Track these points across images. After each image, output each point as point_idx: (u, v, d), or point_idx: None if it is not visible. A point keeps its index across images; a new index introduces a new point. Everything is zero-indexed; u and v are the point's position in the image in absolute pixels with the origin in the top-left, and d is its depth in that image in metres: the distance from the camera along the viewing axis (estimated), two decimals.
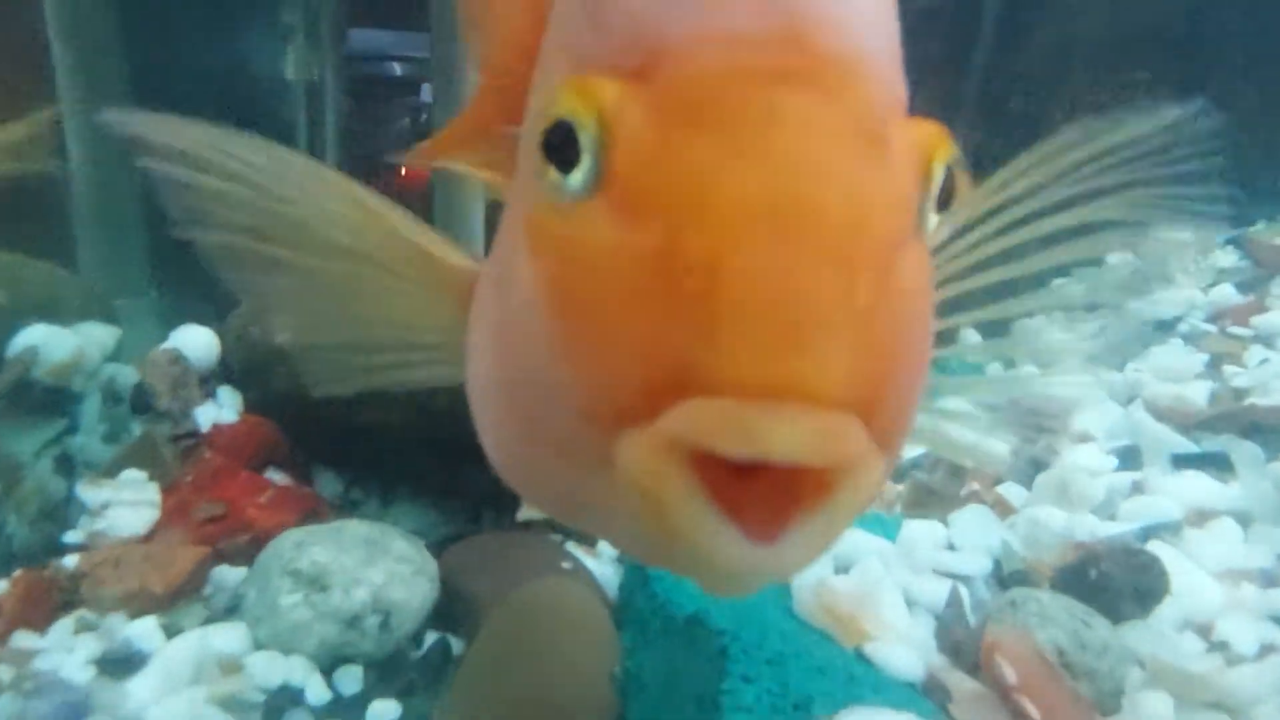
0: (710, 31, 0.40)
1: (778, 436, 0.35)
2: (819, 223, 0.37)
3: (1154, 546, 1.45)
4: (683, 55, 0.40)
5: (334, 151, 2.77)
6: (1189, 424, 1.91)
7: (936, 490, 1.88)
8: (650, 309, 0.38)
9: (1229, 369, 2.56)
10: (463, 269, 0.69)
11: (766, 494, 0.37)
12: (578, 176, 0.42)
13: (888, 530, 1.54)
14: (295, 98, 2.59)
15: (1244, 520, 1.51)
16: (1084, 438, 2.17)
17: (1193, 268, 3.27)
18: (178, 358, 1.46)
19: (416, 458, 1.56)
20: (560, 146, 0.42)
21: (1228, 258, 3.30)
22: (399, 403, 1.50)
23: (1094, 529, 1.55)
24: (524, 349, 0.45)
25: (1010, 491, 1.76)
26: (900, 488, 1.87)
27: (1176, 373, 2.62)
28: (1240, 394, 2.06)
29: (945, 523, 1.57)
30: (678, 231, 0.38)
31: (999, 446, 2.45)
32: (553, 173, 0.42)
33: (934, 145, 0.43)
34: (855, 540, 1.47)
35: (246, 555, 1.32)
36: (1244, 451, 1.63)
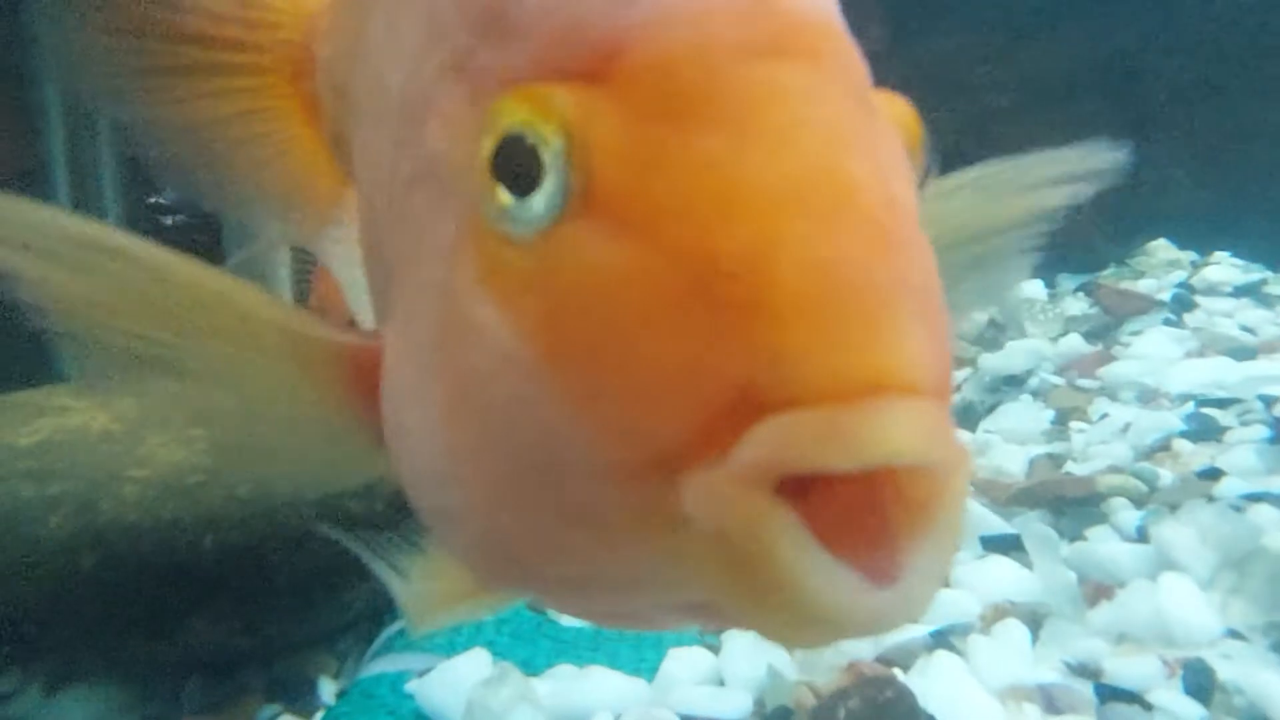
0: (669, 12, 0.36)
1: (892, 436, 0.30)
2: (859, 199, 0.34)
3: (940, 657, 1.29)
4: (648, 42, 0.36)
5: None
6: (1002, 499, 1.78)
7: None
8: (689, 328, 0.33)
9: (1075, 424, 2.47)
10: (337, 344, 0.53)
11: (848, 525, 0.32)
12: (540, 199, 0.36)
13: (647, 664, 1.34)
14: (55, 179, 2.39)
15: (1038, 617, 1.36)
16: None
17: (1042, 317, 3.24)
18: None
19: (98, 625, 1.32)
20: (513, 168, 0.36)
21: (1078, 304, 3.28)
22: (62, 555, 1.26)
23: (883, 636, 1.38)
24: (515, 413, 0.38)
25: None
26: None
27: (1023, 433, 2.52)
28: (1059, 461, 1.95)
29: (718, 647, 1.38)
30: (706, 235, 0.33)
31: None
32: (504, 197, 0.37)
33: (913, 123, 0.40)
34: (598, 683, 1.27)
35: None
36: (1037, 534, 1.49)
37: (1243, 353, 2.49)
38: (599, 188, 0.35)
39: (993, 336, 3.48)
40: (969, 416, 2.89)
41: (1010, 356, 2.95)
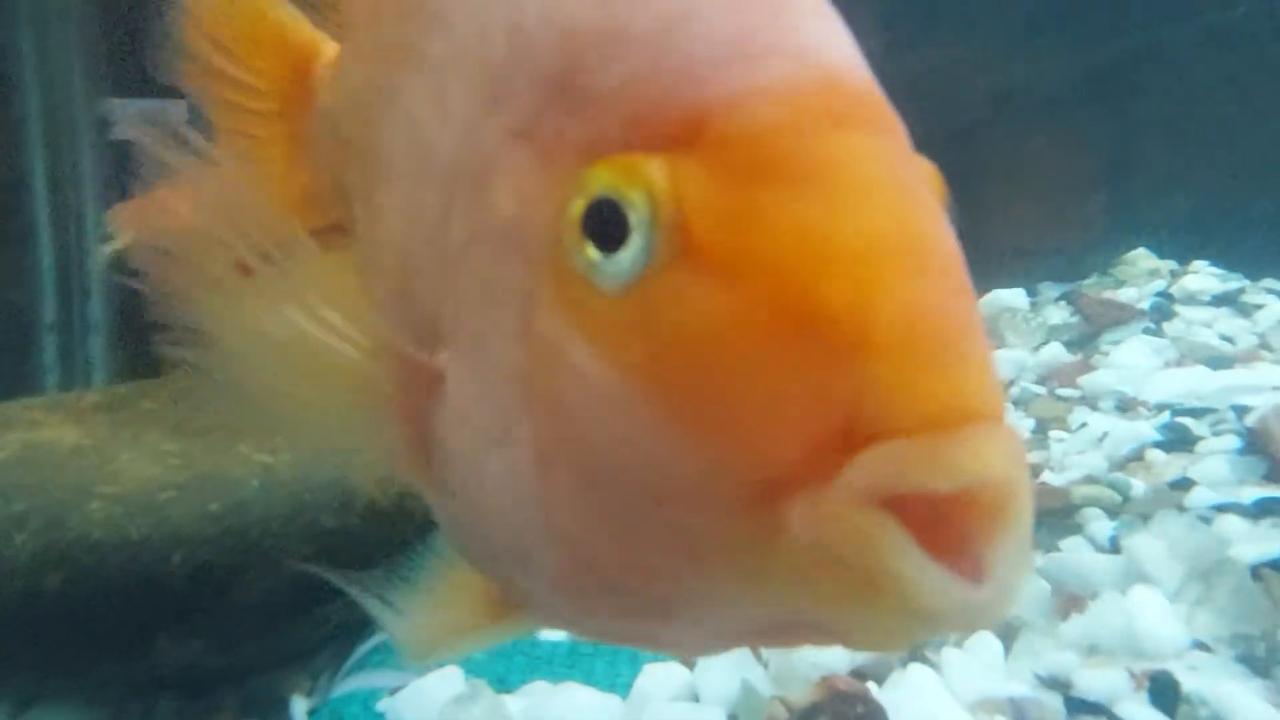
0: (754, 86, 0.41)
1: (986, 459, 0.35)
2: (932, 251, 0.39)
3: (913, 670, 1.29)
4: (736, 113, 0.40)
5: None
6: None
7: None
8: (794, 365, 0.37)
9: (1055, 434, 2.48)
10: (400, 349, 0.55)
11: (933, 535, 0.36)
12: (627, 256, 0.40)
13: (621, 680, 1.34)
14: (34, 191, 2.37)
15: (1012, 630, 1.36)
16: None
17: (1024, 326, 3.25)
18: None
19: (66, 644, 1.31)
20: (601, 228, 0.41)
21: (1059, 313, 3.29)
22: (28, 574, 1.24)
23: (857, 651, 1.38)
24: (621, 446, 0.41)
25: None
26: None
27: None
28: (1036, 471, 1.95)
29: (692, 662, 1.38)
30: (807, 283, 0.38)
31: None
32: (592, 253, 0.41)
33: (939, 182, 0.44)
34: (572, 699, 1.27)
35: None
36: None
37: (1220, 362, 2.51)
38: (696, 242, 0.39)
39: None
40: None
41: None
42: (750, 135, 0.40)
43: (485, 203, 0.48)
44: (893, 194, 0.39)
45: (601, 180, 0.41)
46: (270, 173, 0.79)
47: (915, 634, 0.40)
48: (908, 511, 0.36)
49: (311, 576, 1.47)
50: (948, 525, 0.36)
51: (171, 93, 0.79)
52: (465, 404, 0.49)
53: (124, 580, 1.21)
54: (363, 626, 1.43)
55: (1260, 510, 1.35)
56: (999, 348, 3.15)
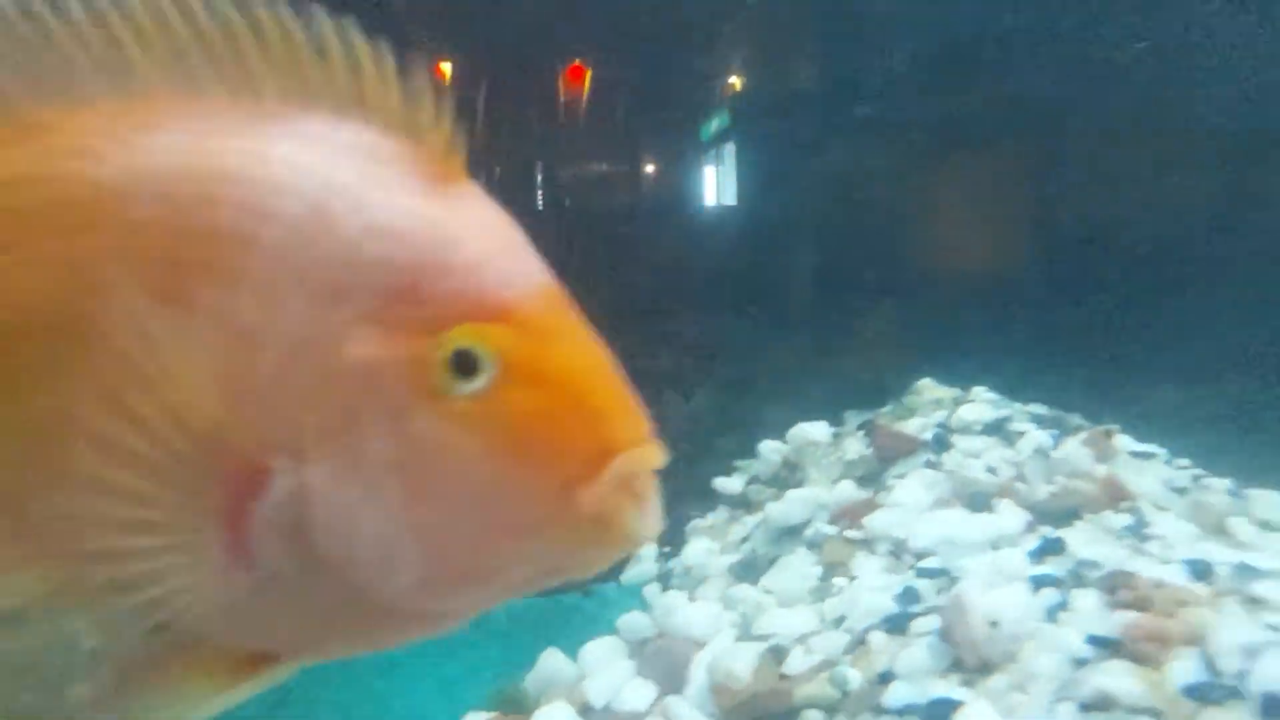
0: (527, 293, 0.76)
1: (656, 455, 0.74)
2: (615, 369, 0.77)
3: None
4: (522, 305, 0.75)
5: None
6: (727, 707, 1.81)
7: None
8: (574, 426, 0.73)
9: (837, 580, 2.53)
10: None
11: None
12: (482, 379, 0.73)
13: None
14: None
15: None
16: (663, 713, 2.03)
17: (825, 461, 3.35)
18: None
19: None
20: (462, 366, 0.73)
21: (857, 445, 3.34)
22: None
23: None
24: (478, 484, 0.73)
25: None
26: None
27: (793, 592, 2.59)
28: (780, 656, 1.99)
29: None
30: (571, 386, 0.74)
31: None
32: (455, 380, 0.73)
33: None
34: None
35: None
36: None
37: (979, 500, 2.63)
38: (513, 373, 0.73)
39: (786, 476, 3.57)
40: (752, 572, 2.92)
41: (790, 506, 3.00)
42: (532, 316, 0.74)
43: (332, 362, 0.74)
44: (594, 342, 0.76)
45: (461, 338, 0.72)
46: None
47: (618, 555, 0.76)
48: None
49: None
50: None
51: None
52: (333, 489, 0.74)
53: None
54: None
55: (932, 713, 1.42)
56: (801, 485, 3.24)
